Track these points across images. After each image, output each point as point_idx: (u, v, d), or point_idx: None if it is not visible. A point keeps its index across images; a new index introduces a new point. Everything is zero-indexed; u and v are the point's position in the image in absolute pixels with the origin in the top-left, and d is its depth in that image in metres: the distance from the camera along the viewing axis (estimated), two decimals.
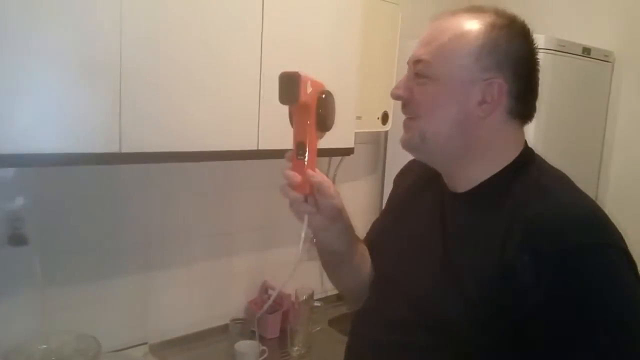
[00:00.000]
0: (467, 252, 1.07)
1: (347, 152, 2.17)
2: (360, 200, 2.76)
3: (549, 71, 2.28)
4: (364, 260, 1.31)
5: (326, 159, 2.49)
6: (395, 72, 2.41)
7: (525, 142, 1.14)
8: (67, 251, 1.87)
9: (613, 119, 2.74)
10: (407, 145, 1.14)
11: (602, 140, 2.77)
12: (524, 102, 1.08)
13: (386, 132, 2.76)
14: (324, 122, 1.18)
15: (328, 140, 1.76)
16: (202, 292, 2.26)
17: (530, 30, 1.09)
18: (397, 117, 2.40)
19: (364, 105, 2.22)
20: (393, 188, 1.42)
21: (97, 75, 1.49)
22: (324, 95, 1.17)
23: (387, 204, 1.42)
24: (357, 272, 1.31)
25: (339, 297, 2.63)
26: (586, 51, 2.49)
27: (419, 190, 1.26)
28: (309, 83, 1.13)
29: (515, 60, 1.05)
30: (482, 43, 1.05)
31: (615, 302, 0.95)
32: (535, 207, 1.00)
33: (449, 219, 1.16)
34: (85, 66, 1.46)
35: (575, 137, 2.56)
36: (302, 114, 1.16)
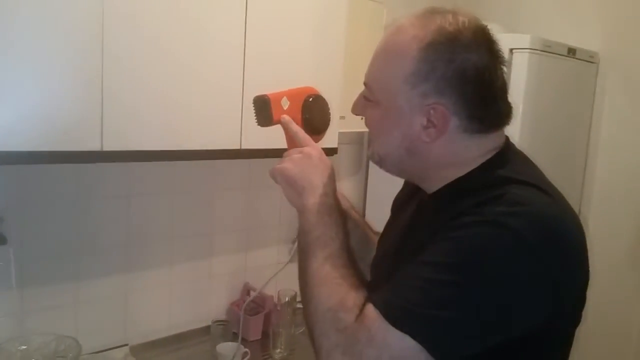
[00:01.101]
0: (408, 249, 1.05)
1: (331, 152, 2.14)
2: (353, 200, 2.72)
3: (535, 71, 2.28)
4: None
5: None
6: None
7: (505, 143, 1.09)
8: (46, 251, 1.84)
9: (598, 119, 2.75)
10: (371, 159, 1.14)
11: (587, 141, 2.77)
12: (479, 119, 1.01)
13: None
14: (312, 126, 1.20)
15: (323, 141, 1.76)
16: (183, 293, 2.23)
17: (487, 35, 1.01)
18: None
19: (347, 105, 2.17)
20: (403, 186, 1.39)
21: (78, 72, 1.46)
22: (311, 99, 1.20)
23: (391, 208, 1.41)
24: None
25: None
26: (571, 52, 2.49)
27: (415, 191, 1.23)
28: (283, 99, 1.16)
29: (459, 79, 0.98)
30: (416, 69, 0.99)
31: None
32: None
33: (417, 218, 1.15)
34: (65, 61, 1.44)
35: (560, 137, 2.56)
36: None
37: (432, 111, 0.99)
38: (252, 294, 2.27)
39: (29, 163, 1.56)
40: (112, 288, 2.02)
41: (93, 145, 1.51)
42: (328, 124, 1.25)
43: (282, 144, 1.19)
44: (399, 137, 1.04)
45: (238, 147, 1.81)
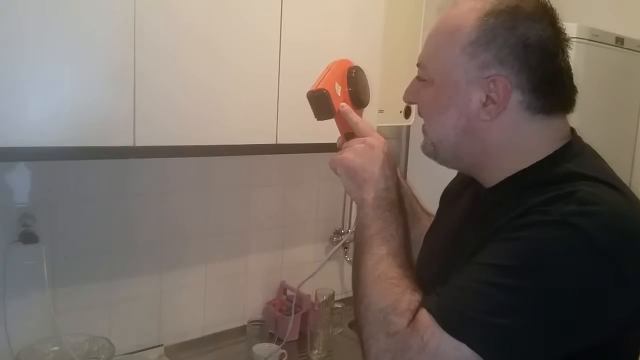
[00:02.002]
0: (463, 248, 0.98)
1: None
2: None
3: (582, 62, 2.18)
4: None
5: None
6: None
7: (572, 135, 1.01)
8: (78, 249, 1.80)
9: None
10: (423, 151, 1.07)
11: (635, 135, 2.66)
12: (544, 94, 0.93)
13: (408, 127, 2.67)
14: (358, 99, 1.17)
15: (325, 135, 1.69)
16: (218, 293, 2.18)
17: (549, 9, 0.94)
18: None
19: (386, 99, 2.12)
20: (456, 176, 1.32)
21: (110, 66, 1.42)
22: (354, 72, 1.16)
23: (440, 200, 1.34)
24: None
25: None
26: (619, 41, 2.38)
27: (468, 183, 1.16)
28: (336, 85, 1.12)
29: (522, 48, 0.91)
30: (475, 37, 0.93)
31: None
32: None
33: (472, 214, 1.08)
34: (97, 55, 1.40)
35: (607, 130, 2.44)
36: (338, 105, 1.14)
37: (492, 85, 0.93)
38: (290, 293, 2.22)
39: (58, 159, 1.54)
40: (146, 287, 1.99)
41: (125, 141, 1.47)
42: (369, 97, 1.21)
43: (318, 138, 1.14)
44: (455, 115, 0.97)
45: (274, 142, 1.75)
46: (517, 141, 0.97)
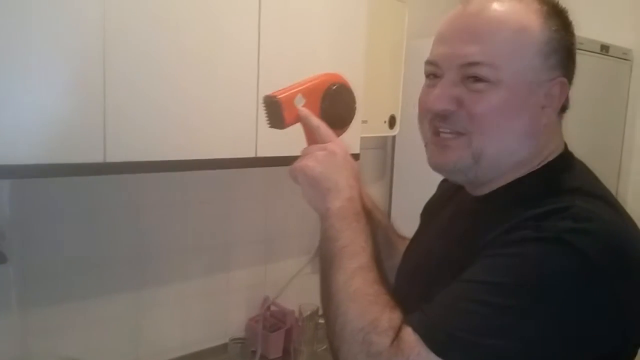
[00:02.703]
0: (450, 262, 0.94)
1: (353, 158, 2.04)
2: None
3: None
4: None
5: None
6: (402, 74, 2.28)
7: (564, 148, 1.01)
8: (51, 269, 1.74)
9: (632, 119, 2.63)
10: (451, 168, 0.97)
11: (621, 143, 2.65)
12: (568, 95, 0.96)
13: (394, 137, 2.62)
14: (331, 117, 1.09)
15: None
16: (199, 310, 2.12)
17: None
18: (405, 121, 2.29)
19: (369, 109, 2.09)
20: (436, 191, 1.29)
21: (79, 79, 1.37)
22: (334, 88, 1.10)
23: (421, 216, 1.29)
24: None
25: None
26: (604, 49, 2.37)
27: (451, 194, 1.13)
28: (297, 98, 1.06)
29: (570, 50, 0.94)
30: (548, 37, 0.91)
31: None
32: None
33: (458, 226, 1.03)
34: (65, 68, 1.35)
35: (592, 139, 2.42)
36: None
37: (554, 87, 0.93)
38: (274, 309, 2.16)
39: (26, 177, 1.46)
40: (123, 306, 1.92)
41: (95, 157, 1.41)
42: (351, 118, 1.13)
43: (299, 150, 1.08)
44: (525, 120, 0.93)
45: (253, 156, 1.71)
46: (548, 146, 0.97)
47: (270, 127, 1.08)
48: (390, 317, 0.84)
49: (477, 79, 0.91)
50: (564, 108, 0.97)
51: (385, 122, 2.27)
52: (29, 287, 1.70)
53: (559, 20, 0.93)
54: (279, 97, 1.05)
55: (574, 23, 0.95)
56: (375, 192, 2.72)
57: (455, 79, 0.93)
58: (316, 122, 1.05)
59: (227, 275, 2.18)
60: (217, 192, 2.10)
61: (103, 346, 1.87)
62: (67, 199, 1.75)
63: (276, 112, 1.05)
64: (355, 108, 1.14)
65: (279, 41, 1.72)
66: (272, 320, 2.19)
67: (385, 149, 2.73)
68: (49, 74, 1.32)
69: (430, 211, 1.21)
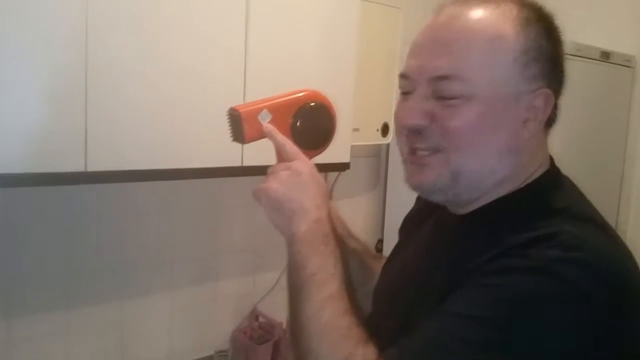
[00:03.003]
0: (430, 287, 0.88)
1: (342, 167, 2.00)
2: (360, 219, 2.56)
3: None
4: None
5: (321, 174, 2.30)
6: (397, 81, 2.22)
7: (551, 164, 0.93)
8: (33, 277, 1.70)
9: (635, 128, 2.56)
10: (431, 187, 0.90)
11: (623, 152, 2.59)
12: (556, 107, 0.88)
13: (387, 145, 2.57)
14: (302, 137, 1.03)
15: (322, 155, 1.60)
16: (184, 320, 2.08)
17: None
18: None
19: (361, 116, 2.05)
20: (414, 204, 1.20)
21: (60, 86, 1.34)
22: (309, 107, 1.04)
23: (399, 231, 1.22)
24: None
25: None
26: (605, 55, 2.31)
27: (432, 209, 1.05)
28: (262, 113, 1.00)
29: (555, 59, 0.86)
30: (525, 46, 0.83)
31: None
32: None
33: (438, 246, 0.97)
34: (46, 74, 1.32)
35: (594, 148, 2.36)
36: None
37: (537, 99, 0.84)
38: (262, 320, 2.12)
39: (5, 187, 1.44)
40: (107, 316, 1.88)
41: (76, 166, 1.38)
42: (325, 141, 1.06)
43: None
44: (503, 136, 0.85)
45: (239, 165, 1.67)
46: (532, 161, 0.90)
47: (233, 140, 1.03)
48: (364, 352, 0.79)
49: (447, 94, 0.85)
50: (550, 121, 0.88)
51: (377, 130, 2.22)
52: (11, 296, 1.67)
53: (542, 26, 0.85)
54: (241, 110, 1.00)
55: (561, 28, 0.88)
56: (367, 203, 2.67)
57: (427, 92, 0.87)
58: (281, 139, 0.99)
59: (214, 285, 2.14)
60: (205, 200, 2.07)
61: (86, 356, 1.84)
62: (51, 206, 1.72)
63: (237, 125, 1.01)
64: (333, 129, 1.07)
65: (266, 48, 1.69)
66: (259, 332, 2.14)
67: (379, 157, 2.68)
68: (28, 81, 1.30)
69: (409, 227, 1.14)
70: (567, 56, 2.01)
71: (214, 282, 2.14)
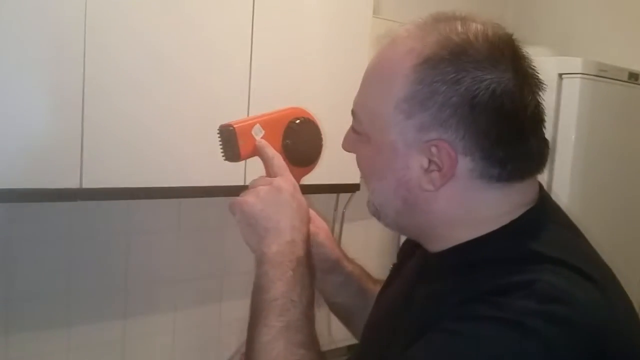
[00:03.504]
0: (401, 326, 0.82)
1: (353, 188, 1.95)
2: (373, 242, 2.47)
3: (588, 99, 2.01)
4: None
5: (333, 195, 2.26)
6: None
7: (538, 199, 0.82)
8: (33, 294, 1.68)
9: None
10: (370, 211, 0.88)
11: None
12: (501, 162, 0.74)
13: None
14: (295, 155, 1.02)
15: (332, 175, 1.55)
16: (188, 342, 2.03)
17: (511, 48, 0.75)
18: None
19: None
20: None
21: (56, 102, 1.34)
22: (298, 121, 1.02)
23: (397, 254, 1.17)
24: None
25: (350, 350, 2.36)
26: (633, 77, 2.20)
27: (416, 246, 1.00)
28: (255, 128, 0.98)
29: (468, 107, 0.72)
30: (410, 92, 0.75)
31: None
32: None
33: (417, 279, 0.90)
34: (42, 88, 1.32)
35: (621, 174, 2.26)
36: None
37: (433, 149, 0.74)
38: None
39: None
40: (109, 335, 1.85)
41: (71, 183, 1.37)
42: (317, 156, 1.05)
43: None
44: (393, 182, 0.80)
45: (242, 184, 1.62)
46: (471, 211, 0.79)
47: (225, 159, 1.00)
48: None
49: (354, 129, 0.85)
50: (510, 175, 0.75)
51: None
52: (11, 312, 1.65)
53: (446, 70, 0.73)
54: (235, 125, 0.98)
55: (493, 66, 0.73)
56: (380, 227, 2.56)
57: None
58: (272, 153, 0.97)
59: (219, 306, 2.09)
60: (210, 220, 2.02)
61: None
62: (52, 222, 1.70)
63: (231, 142, 0.98)
64: (321, 144, 1.06)
65: (272, 63, 1.67)
66: None
67: None
68: (24, 95, 1.29)
69: (403, 255, 1.08)
70: (591, 77, 1.96)
71: (218, 302, 2.09)
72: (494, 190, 0.77)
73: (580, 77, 1.98)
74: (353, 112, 0.85)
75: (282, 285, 0.84)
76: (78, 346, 1.78)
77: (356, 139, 0.85)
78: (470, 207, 0.78)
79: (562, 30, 2.57)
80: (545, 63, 2.08)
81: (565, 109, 1.99)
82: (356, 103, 0.85)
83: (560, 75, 1.98)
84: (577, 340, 0.65)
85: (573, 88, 1.99)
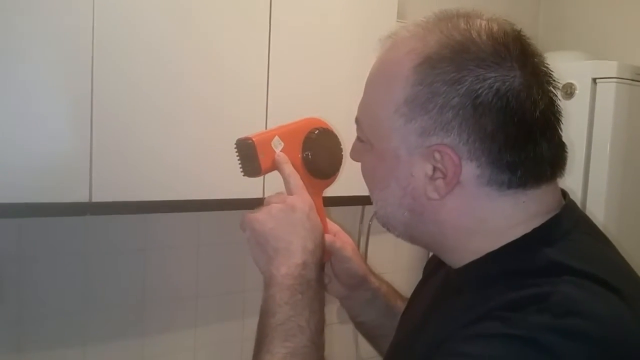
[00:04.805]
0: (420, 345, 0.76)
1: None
2: (402, 255, 2.40)
3: (624, 104, 1.92)
4: None
5: (359, 207, 2.19)
6: None
7: (562, 208, 0.75)
8: (48, 311, 1.64)
9: None
10: (377, 220, 0.84)
11: None
12: (510, 167, 0.69)
13: None
14: (316, 168, 0.98)
15: (356, 187, 1.49)
16: (209, 359, 1.97)
17: (517, 44, 0.70)
18: None
19: None
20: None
21: (64, 114, 1.30)
22: (316, 132, 0.98)
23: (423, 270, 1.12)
24: None
25: None
26: None
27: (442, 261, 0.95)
28: (275, 140, 0.94)
29: (471, 108, 0.67)
30: (410, 94, 0.71)
31: None
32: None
33: (439, 298, 0.85)
34: (50, 101, 1.28)
35: None
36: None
37: (437, 155, 0.70)
38: None
39: (5, 217, 1.40)
40: (127, 354, 1.80)
41: (80, 197, 1.33)
42: (338, 166, 1.01)
43: None
44: (398, 191, 0.75)
45: (260, 196, 1.57)
46: (483, 220, 0.73)
47: (245, 175, 0.96)
48: None
49: (358, 137, 0.82)
50: (521, 181, 0.70)
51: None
52: (25, 330, 1.61)
53: (446, 69, 0.69)
54: (254, 138, 0.93)
55: (499, 64, 0.68)
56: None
57: None
58: (288, 170, 0.93)
59: (241, 323, 2.03)
60: (230, 234, 1.96)
61: None
62: (66, 239, 1.66)
63: (251, 156, 0.93)
64: (342, 155, 1.01)
65: (290, 78, 1.62)
66: None
67: None
68: (32, 108, 1.26)
69: (428, 272, 1.02)
70: (627, 81, 1.87)
71: (240, 319, 2.03)
72: (506, 198, 0.71)
73: (616, 82, 1.89)
74: (357, 120, 0.82)
75: (289, 310, 0.80)
76: None
77: (361, 147, 0.82)
78: (481, 217, 0.73)
79: (596, 33, 2.47)
80: (579, 68, 2.00)
81: (600, 115, 1.92)
82: (360, 109, 0.82)
83: (594, 80, 1.90)
84: (596, 357, 0.59)
85: (608, 93, 1.91)
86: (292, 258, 0.84)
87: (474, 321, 0.65)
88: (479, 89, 0.67)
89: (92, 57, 1.31)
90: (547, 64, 0.73)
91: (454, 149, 0.69)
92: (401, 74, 0.72)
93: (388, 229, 0.81)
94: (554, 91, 0.72)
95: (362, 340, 2.19)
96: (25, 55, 1.24)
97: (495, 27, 0.70)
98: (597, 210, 1.88)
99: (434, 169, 0.71)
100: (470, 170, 0.70)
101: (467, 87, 0.67)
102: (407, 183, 0.74)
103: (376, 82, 0.78)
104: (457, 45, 0.69)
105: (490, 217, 0.72)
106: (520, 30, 0.72)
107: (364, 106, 0.80)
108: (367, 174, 0.82)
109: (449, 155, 0.69)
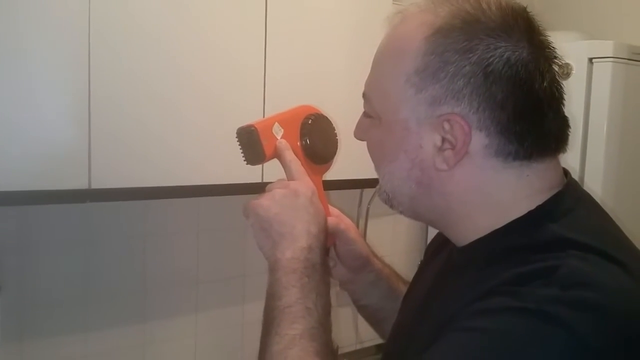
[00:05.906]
0: (425, 325, 0.77)
1: (377, 183, 1.88)
2: (401, 238, 2.42)
3: (620, 84, 1.92)
4: None
5: (357, 191, 2.20)
6: None
7: (565, 182, 0.77)
8: (48, 298, 1.65)
9: None
10: (379, 197, 0.85)
11: None
12: (518, 137, 0.70)
13: None
14: (314, 153, 0.99)
15: (355, 170, 1.49)
16: (210, 345, 1.98)
17: (524, 18, 0.72)
18: None
19: None
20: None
21: (63, 100, 1.31)
22: (310, 120, 0.99)
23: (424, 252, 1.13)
24: None
25: (378, 349, 2.30)
26: None
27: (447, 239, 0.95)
28: (275, 126, 0.95)
29: (482, 78, 0.69)
30: (421, 64, 0.71)
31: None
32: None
33: (442, 277, 0.86)
34: (48, 88, 1.29)
35: None
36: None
37: (446, 125, 0.71)
38: None
39: (4, 205, 1.40)
40: (128, 339, 1.81)
41: (80, 184, 1.33)
42: (335, 150, 1.03)
43: None
44: (406, 164, 0.76)
45: (259, 181, 1.57)
46: (488, 194, 0.74)
47: (248, 163, 0.96)
48: None
49: (365, 113, 0.82)
50: (527, 152, 0.71)
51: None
52: (26, 318, 1.62)
53: (458, 39, 0.70)
54: (256, 125, 0.94)
55: (507, 35, 0.70)
56: (409, 220, 2.50)
57: None
58: (290, 156, 0.93)
59: (242, 308, 2.05)
60: (230, 219, 1.96)
61: None
62: (67, 225, 1.66)
63: (253, 143, 0.94)
64: (336, 142, 1.03)
65: (286, 63, 1.63)
66: None
67: None
68: (31, 96, 1.26)
69: (432, 250, 1.03)
70: (624, 61, 1.87)
71: (241, 304, 2.04)
72: (510, 170, 0.73)
73: (612, 61, 1.88)
74: (364, 95, 0.83)
75: (296, 292, 0.80)
76: (96, 352, 1.74)
77: (368, 123, 0.82)
78: (487, 190, 0.74)
79: (592, 12, 2.46)
80: (574, 47, 1.99)
81: (597, 95, 1.91)
82: (367, 84, 0.82)
83: (590, 59, 1.89)
84: (608, 325, 0.60)
85: (604, 73, 1.90)
86: (297, 242, 0.84)
87: (482, 297, 0.65)
88: (490, 57, 0.68)
89: (89, 45, 1.31)
90: (550, 40, 0.74)
91: (464, 117, 0.70)
92: (412, 46, 0.72)
93: (392, 205, 0.82)
94: (556, 69, 0.73)
95: (361, 323, 2.20)
96: (24, 44, 1.24)
97: (503, 2, 0.72)
98: (595, 187, 1.89)
99: (443, 140, 0.72)
100: (478, 140, 0.71)
101: (479, 56, 0.69)
102: (416, 155, 0.75)
103: (386, 56, 0.78)
104: (467, 15, 0.71)
105: (494, 191, 0.73)
106: (526, 7, 0.74)
107: (372, 80, 0.81)
108: (374, 149, 0.82)
109: (459, 124, 0.70)
